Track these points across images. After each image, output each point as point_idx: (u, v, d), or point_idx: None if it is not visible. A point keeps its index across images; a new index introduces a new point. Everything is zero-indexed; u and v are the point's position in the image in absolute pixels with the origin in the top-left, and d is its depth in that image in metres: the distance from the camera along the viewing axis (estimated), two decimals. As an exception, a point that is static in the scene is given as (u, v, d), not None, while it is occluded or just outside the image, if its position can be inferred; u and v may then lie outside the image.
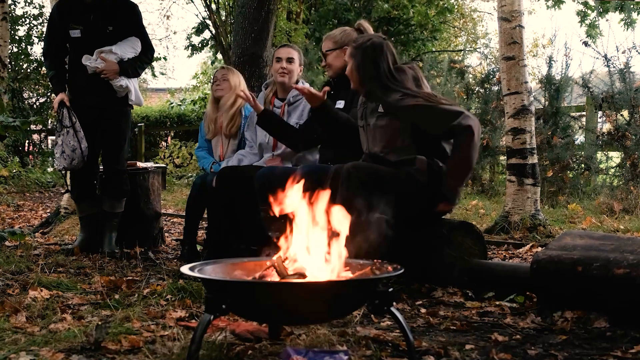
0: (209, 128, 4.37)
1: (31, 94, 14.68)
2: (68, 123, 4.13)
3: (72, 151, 4.12)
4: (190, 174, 12.37)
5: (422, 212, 3.11)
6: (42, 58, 4.88)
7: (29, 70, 14.19)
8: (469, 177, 3.12)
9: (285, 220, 3.45)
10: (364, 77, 3.17)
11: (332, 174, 3.07)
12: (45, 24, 13.80)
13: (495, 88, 8.93)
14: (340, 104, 3.64)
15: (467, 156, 2.97)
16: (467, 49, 17.42)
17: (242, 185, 3.84)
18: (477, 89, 9.44)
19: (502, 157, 8.34)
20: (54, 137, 14.84)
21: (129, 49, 4.21)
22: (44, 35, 4.59)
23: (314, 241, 2.09)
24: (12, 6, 14.03)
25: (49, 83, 4.26)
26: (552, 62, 8.16)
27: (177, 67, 50.15)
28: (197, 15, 16.45)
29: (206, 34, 15.11)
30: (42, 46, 4.39)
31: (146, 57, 4.34)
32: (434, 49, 15.31)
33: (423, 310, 2.73)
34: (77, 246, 4.27)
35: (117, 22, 4.18)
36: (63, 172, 4.39)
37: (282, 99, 3.99)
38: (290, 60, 3.93)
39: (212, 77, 4.46)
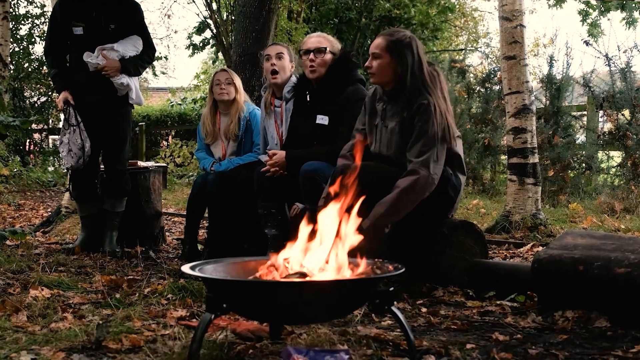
0: (207, 131, 4.34)
1: (32, 93, 14.68)
2: (74, 121, 4.13)
3: (79, 149, 4.12)
4: (191, 174, 12.37)
5: (426, 213, 3.10)
6: (44, 56, 4.87)
7: (30, 70, 14.19)
8: (389, 220, 2.90)
9: (283, 219, 3.45)
10: (402, 73, 2.99)
11: (339, 172, 3.06)
12: (47, 24, 13.85)
13: (496, 87, 8.92)
14: (323, 120, 3.56)
15: (399, 196, 2.87)
16: (468, 49, 17.40)
17: (242, 183, 3.85)
18: (478, 88, 9.43)
19: (503, 157, 8.34)
20: (55, 137, 14.88)
21: (130, 47, 4.21)
22: (45, 33, 4.58)
23: (315, 241, 2.09)
24: (15, 6, 14.04)
25: (51, 82, 4.26)
26: (553, 61, 8.17)
27: (178, 66, 50.15)
28: (197, 15, 16.42)
29: (207, 34, 15.10)
30: (44, 44, 4.38)
31: (147, 56, 4.34)
32: (435, 49, 15.29)
33: (424, 310, 2.73)
34: (78, 245, 4.27)
35: (120, 20, 4.18)
36: (70, 170, 4.37)
37: (281, 98, 3.99)
38: (279, 56, 3.90)
39: (211, 78, 4.43)
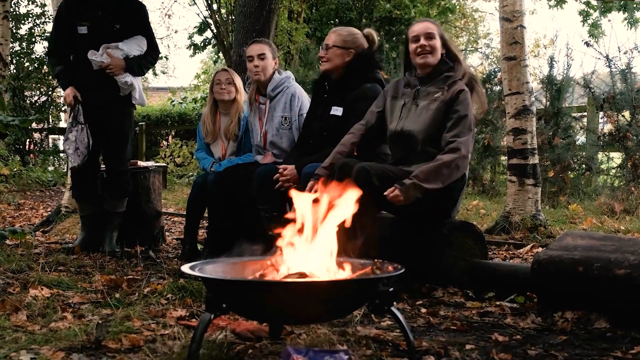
0: (207, 130, 4.35)
1: (33, 93, 14.68)
2: (82, 119, 4.12)
3: (85, 148, 4.11)
4: (191, 173, 12.37)
5: (426, 213, 3.09)
6: (46, 56, 4.85)
7: (30, 69, 14.18)
8: (426, 183, 2.91)
9: (284, 219, 3.43)
10: (451, 54, 3.20)
11: (339, 167, 3.07)
12: (48, 23, 13.85)
13: (497, 88, 8.92)
14: (337, 111, 3.59)
15: (440, 167, 2.94)
16: (469, 49, 17.41)
17: (242, 183, 3.85)
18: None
19: (503, 158, 8.34)
20: (55, 136, 14.86)
21: (135, 46, 4.21)
22: (47, 33, 4.54)
23: (316, 240, 2.10)
24: (16, 5, 14.03)
25: (54, 80, 4.25)
26: (554, 62, 8.16)
27: (178, 66, 50.15)
28: (198, 15, 16.42)
29: (208, 34, 15.12)
30: (47, 44, 4.38)
31: (151, 56, 4.33)
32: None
33: (423, 310, 2.73)
34: (78, 245, 4.27)
35: (125, 20, 4.18)
36: (73, 169, 4.35)
37: (265, 95, 4.02)
38: (261, 56, 3.94)
39: (212, 78, 4.43)
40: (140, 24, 4.27)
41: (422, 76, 3.22)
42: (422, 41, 3.18)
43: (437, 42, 3.20)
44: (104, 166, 4.40)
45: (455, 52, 3.24)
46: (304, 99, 3.99)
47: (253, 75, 3.97)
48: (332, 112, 3.61)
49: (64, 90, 4.24)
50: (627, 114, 7.37)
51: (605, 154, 7.76)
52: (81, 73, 4.17)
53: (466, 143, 3.01)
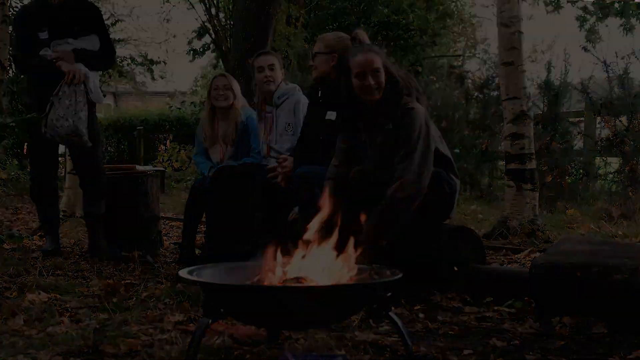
0: (206, 134, 4.35)
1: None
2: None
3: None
4: (189, 178, 12.35)
5: (425, 217, 3.09)
6: (13, 61, 4.79)
7: (28, 73, 14.18)
8: (383, 232, 2.82)
9: (282, 225, 3.42)
10: (393, 85, 3.00)
11: (328, 179, 3.06)
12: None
13: (494, 93, 8.95)
14: (331, 115, 3.58)
15: (386, 207, 2.82)
16: (467, 54, 17.44)
17: (238, 184, 3.87)
18: (476, 94, 9.45)
19: (501, 162, 8.35)
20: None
21: (86, 43, 4.17)
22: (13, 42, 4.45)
23: (315, 246, 2.10)
24: (15, 9, 14.03)
25: (39, 69, 4.14)
26: (551, 67, 8.19)
27: (177, 70, 50.04)
28: (197, 19, 16.43)
29: (207, 39, 15.12)
30: (12, 50, 4.35)
31: (107, 55, 4.28)
32: (433, 54, 15.31)
33: (421, 315, 2.73)
34: (52, 249, 4.20)
35: (82, 23, 4.18)
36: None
37: (272, 104, 4.05)
38: (271, 67, 4.00)
39: (210, 83, 4.45)
40: (96, 26, 4.25)
41: (370, 106, 3.06)
42: (370, 80, 2.97)
43: (382, 75, 3.00)
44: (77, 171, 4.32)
45: (396, 75, 3.04)
46: None
47: (263, 85, 4.01)
48: (327, 117, 3.62)
49: (47, 70, 4.09)
50: (624, 119, 7.39)
51: (603, 159, 7.78)
52: (39, 77, 4.14)
53: (409, 167, 2.84)
